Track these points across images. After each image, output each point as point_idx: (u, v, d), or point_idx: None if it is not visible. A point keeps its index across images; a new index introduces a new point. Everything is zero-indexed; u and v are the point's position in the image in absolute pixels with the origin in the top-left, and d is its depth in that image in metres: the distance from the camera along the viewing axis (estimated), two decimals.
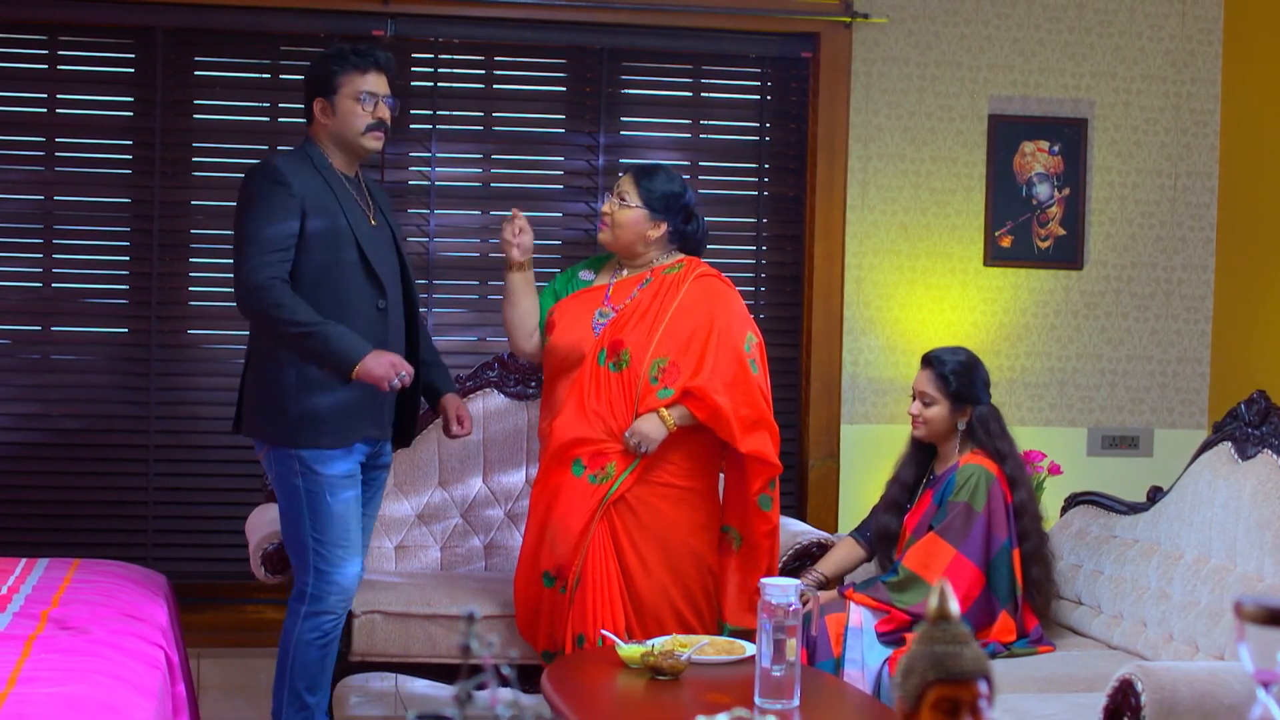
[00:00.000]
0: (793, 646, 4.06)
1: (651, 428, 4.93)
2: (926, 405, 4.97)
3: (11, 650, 3.90)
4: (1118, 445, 6.82)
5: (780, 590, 4.08)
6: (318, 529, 4.77)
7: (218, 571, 6.40)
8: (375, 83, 4.86)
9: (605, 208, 5.16)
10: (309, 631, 4.81)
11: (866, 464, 6.61)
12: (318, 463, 4.74)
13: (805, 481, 6.65)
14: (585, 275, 5.27)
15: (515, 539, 5.84)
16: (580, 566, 4.91)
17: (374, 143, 4.88)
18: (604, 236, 5.18)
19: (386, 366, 4.65)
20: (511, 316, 5.24)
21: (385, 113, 4.87)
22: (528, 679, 5.30)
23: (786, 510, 6.34)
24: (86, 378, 6.38)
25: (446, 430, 5.22)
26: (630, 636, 4.82)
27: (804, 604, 4.49)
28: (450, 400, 5.21)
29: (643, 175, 5.15)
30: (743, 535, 5.09)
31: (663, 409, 4.93)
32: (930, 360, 5.01)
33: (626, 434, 4.93)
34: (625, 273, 5.19)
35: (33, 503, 6.32)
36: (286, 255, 4.69)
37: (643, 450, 4.92)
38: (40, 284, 6.35)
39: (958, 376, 4.95)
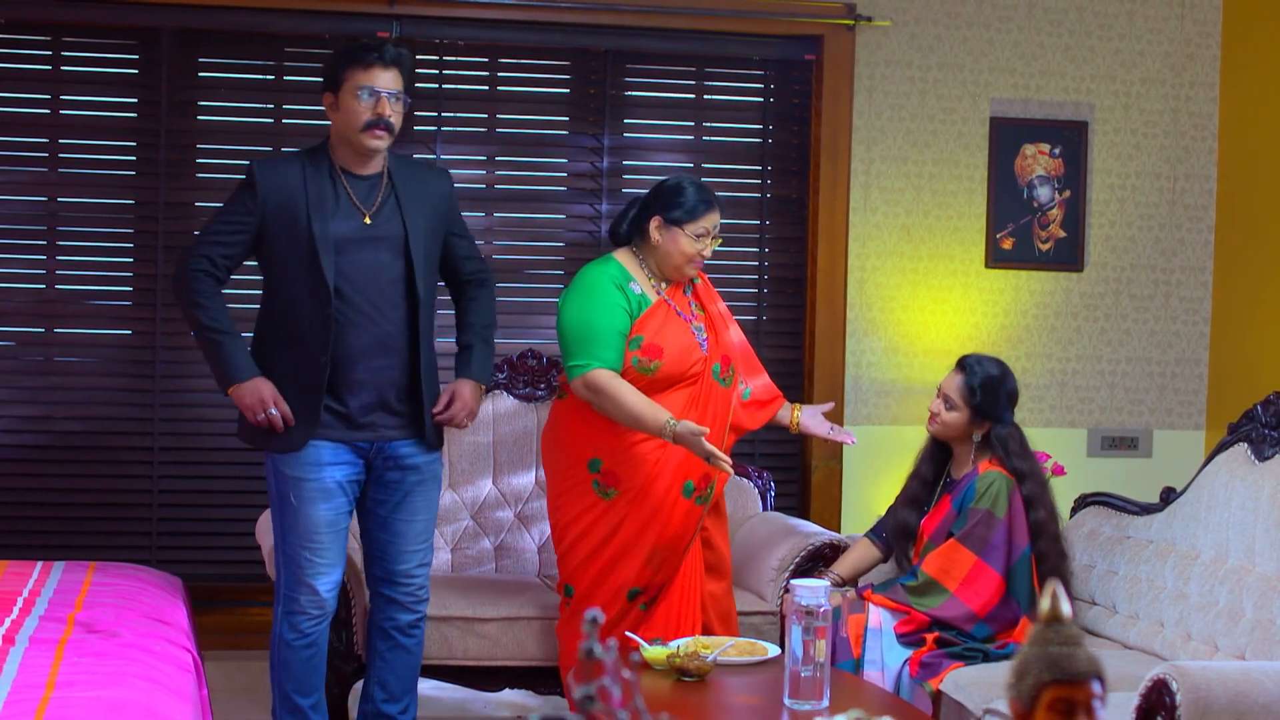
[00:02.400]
0: (821, 648, 4.07)
1: None
2: (948, 408, 4.98)
3: (44, 655, 3.88)
4: (1117, 446, 6.87)
5: (810, 592, 4.09)
6: (285, 530, 4.77)
7: (223, 574, 6.40)
8: (379, 78, 4.65)
9: (708, 251, 4.95)
10: (287, 631, 4.81)
11: (869, 466, 6.64)
12: (286, 466, 4.73)
13: (809, 483, 6.67)
14: (635, 288, 4.96)
15: (525, 541, 5.85)
16: (671, 579, 4.94)
17: (374, 141, 4.67)
18: (694, 274, 5.01)
19: (255, 400, 4.69)
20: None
21: (387, 109, 4.65)
22: (544, 681, 5.33)
23: (790, 511, 6.37)
24: (90, 380, 6.37)
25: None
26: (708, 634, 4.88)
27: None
28: (452, 385, 4.92)
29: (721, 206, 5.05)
30: None
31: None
32: (963, 366, 5.01)
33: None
34: (664, 283, 5.02)
35: (37, 505, 6.32)
36: (226, 252, 4.74)
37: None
38: (44, 285, 6.35)
39: (984, 390, 4.94)
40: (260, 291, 4.89)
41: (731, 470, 4.80)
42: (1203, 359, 6.94)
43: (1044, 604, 1.92)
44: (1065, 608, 1.92)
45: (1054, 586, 1.92)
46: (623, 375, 4.85)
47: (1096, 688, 1.88)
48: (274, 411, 4.68)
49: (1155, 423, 6.91)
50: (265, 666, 5.86)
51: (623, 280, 4.95)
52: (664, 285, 5.03)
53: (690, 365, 4.93)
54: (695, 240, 4.93)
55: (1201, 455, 6.83)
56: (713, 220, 4.96)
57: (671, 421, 4.72)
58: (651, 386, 4.88)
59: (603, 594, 4.97)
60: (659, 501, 4.90)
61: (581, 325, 4.87)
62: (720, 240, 5.02)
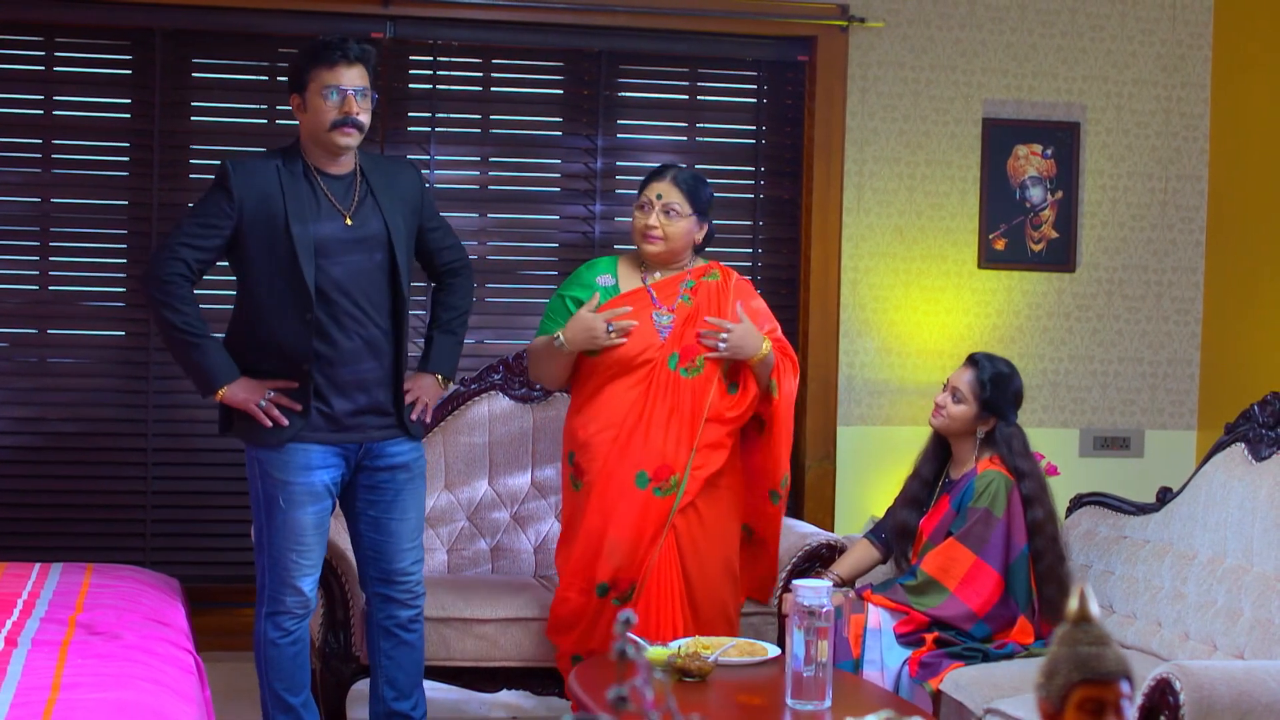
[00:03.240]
0: (824, 648, 4.08)
1: (751, 343, 4.99)
2: (955, 401, 5.00)
3: (47, 657, 3.88)
4: (1109, 446, 6.89)
5: (813, 592, 4.10)
6: (272, 533, 4.75)
7: (215, 575, 6.39)
8: (344, 76, 4.65)
9: (653, 220, 5.02)
10: (272, 631, 4.82)
11: (863, 465, 6.65)
12: (274, 468, 4.71)
13: (802, 483, 6.67)
14: (605, 280, 5.13)
15: (521, 542, 5.85)
16: (644, 576, 4.92)
17: (343, 139, 4.66)
18: (655, 249, 5.04)
19: (249, 392, 4.65)
20: (558, 378, 5.17)
21: (354, 107, 4.65)
22: (542, 681, 5.33)
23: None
24: (84, 381, 6.36)
25: None
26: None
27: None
28: (410, 381, 4.90)
29: (685, 180, 5.07)
30: (754, 529, 5.21)
31: (766, 341, 5.02)
32: (974, 361, 5.04)
33: (709, 333, 4.96)
34: (660, 274, 5.11)
35: (30, 506, 6.30)
36: (200, 255, 4.66)
37: (719, 352, 4.97)
38: (37, 287, 6.34)
39: (994, 385, 4.97)
40: (229, 293, 4.87)
41: (627, 328, 4.93)
42: (1194, 359, 6.96)
43: (1073, 604, 1.94)
44: (1094, 607, 1.93)
45: (1082, 586, 1.94)
46: (577, 358, 5.04)
47: (1125, 687, 1.89)
48: (272, 394, 4.65)
49: (1147, 423, 6.92)
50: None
51: (596, 274, 5.15)
52: (657, 274, 5.09)
53: (639, 351, 4.98)
54: (640, 211, 5.06)
55: (1193, 455, 6.86)
56: (653, 190, 5.06)
57: (558, 334, 4.98)
58: (598, 369, 5.01)
59: (576, 588, 5.02)
60: (615, 492, 4.96)
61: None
62: (684, 217, 5.03)
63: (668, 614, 4.93)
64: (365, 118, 4.71)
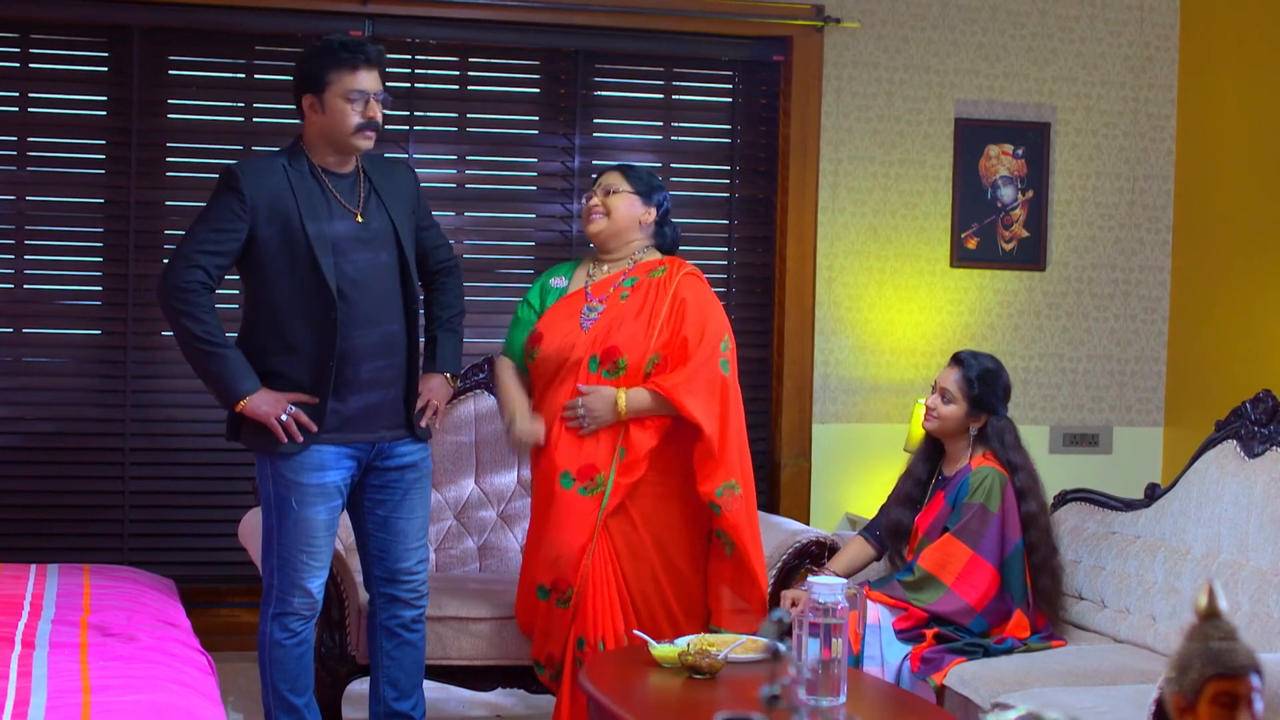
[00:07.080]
0: (839, 644, 4.11)
1: (603, 407, 4.93)
2: (945, 402, 5.06)
3: (69, 659, 3.85)
4: (1079, 443, 6.97)
5: (827, 589, 4.13)
6: (283, 534, 4.72)
7: (194, 575, 6.35)
8: (365, 80, 4.66)
9: (594, 200, 5.09)
10: (278, 631, 4.79)
11: (838, 463, 6.70)
12: (288, 470, 4.68)
13: (778, 481, 6.72)
14: (557, 282, 5.17)
15: (509, 540, 5.86)
16: (582, 581, 4.93)
17: (364, 142, 4.70)
18: (596, 227, 5.08)
19: (272, 405, 4.61)
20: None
21: (376, 111, 4.69)
22: (537, 681, 5.33)
23: (760, 509, 6.39)
24: (61, 380, 6.32)
25: None
26: (628, 641, 4.85)
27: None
28: (425, 386, 4.93)
29: (625, 168, 5.17)
30: (734, 541, 5.03)
31: (621, 392, 4.91)
32: (960, 360, 5.09)
33: (570, 404, 4.93)
34: (606, 269, 5.12)
35: (7, 506, 6.24)
36: (219, 261, 4.62)
37: (585, 427, 4.93)
38: (12, 285, 6.28)
39: (981, 382, 5.03)
40: (232, 292, 4.84)
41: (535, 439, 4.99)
42: (1161, 357, 7.05)
43: (1201, 600, 1.98)
44: (1222, 603, 1.97)
45: (1209, 582, 1.98)
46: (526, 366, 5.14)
47: (1256, 681, 1.93)
48: (293, 409, 4.62)
49: (1115, 420, 7.02)
50: (239, 668, 5.87)
51: (551, 276, 5.23)
52: (605, 269, 5.14)
53: (561, 347, 5.00)
54: (586, 202, 5.18)
55: (1160, 452, 6.96)
56: (596, 183, 5.17)
57: (510, 419, 5.07)
58: (538, 376, 5.07)
59: (524, 590, 5.08)
60: (544, 493, 5.01)
61: None
62: (623, 194, 5.07)
63: (607, 618, 4.92)
64: (382, 120, 4.75)
